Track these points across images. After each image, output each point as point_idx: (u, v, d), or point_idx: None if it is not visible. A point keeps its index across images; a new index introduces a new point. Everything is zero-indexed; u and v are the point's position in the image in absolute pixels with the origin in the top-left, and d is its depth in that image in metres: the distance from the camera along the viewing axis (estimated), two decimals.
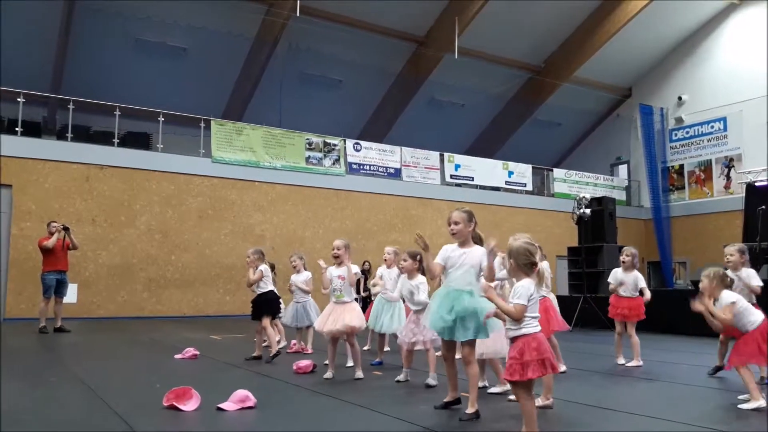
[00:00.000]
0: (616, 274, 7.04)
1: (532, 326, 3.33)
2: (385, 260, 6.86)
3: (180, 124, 15.27)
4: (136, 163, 14.05)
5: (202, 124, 14.98)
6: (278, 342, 7.07)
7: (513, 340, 3.37)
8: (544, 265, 5.56)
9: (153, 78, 16.99)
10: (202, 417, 4.03)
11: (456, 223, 4.28)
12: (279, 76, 17.97)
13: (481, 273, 4.19)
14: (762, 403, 4.35)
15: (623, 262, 7.02)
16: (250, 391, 4.35)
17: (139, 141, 15.25)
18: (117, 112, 14.10)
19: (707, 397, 5.06)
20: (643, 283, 6.95)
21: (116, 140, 14.17)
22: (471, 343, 4.18)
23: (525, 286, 3.36)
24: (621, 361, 6.81)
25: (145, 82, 16.77)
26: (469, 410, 3.98)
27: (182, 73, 17.42)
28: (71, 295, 11.69)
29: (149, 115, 14.69)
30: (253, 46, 17.86)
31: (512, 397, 4.41)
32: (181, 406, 4.14)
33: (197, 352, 7.02)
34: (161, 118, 14.61)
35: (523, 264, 3.43)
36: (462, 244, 4.28)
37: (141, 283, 13.66)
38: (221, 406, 4.17)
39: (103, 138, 14.24)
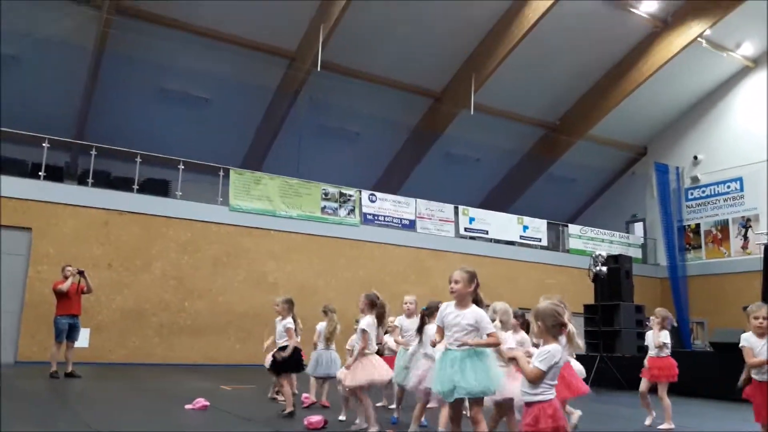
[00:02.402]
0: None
1: (549, 393, 3.27)
2: (407, 309, 6.73)
3: (199, 171, 15.50)
4: (155, 210, 14.21)
5: (221, 173, 15.18)
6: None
7: (528, 405, 3.30)
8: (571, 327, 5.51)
9: (175, 126, 17.36)
10: None
11: (456, 282, 4.27)
12: (298, 128, 18.30)
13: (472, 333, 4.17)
14: None
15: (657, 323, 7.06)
16: None
17: (158, 188, 15.46)
18: (138, 159, 14.36)
19: None
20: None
21: (136, 186, 14.38)
22: (478, 402, 4.13)
23: (551, 351, 3.27)
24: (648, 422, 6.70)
25: (167, 130, 17.12)
26: None
27: (204, 122, 17.79)
28: (83, 339, 11.67)
29: (169, 162, 14.95)
30: (274, 98, 18.26)
31: None
32: None
33: (207, 403, 6.94)
34: (181, 166, 14.84)
35: (552, 326, 3.33)
36: (458, 305, 4.26)
37: (153, 329, 13.61)
38: None
39: (123, 184, 14.47)
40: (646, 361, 7.13)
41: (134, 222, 13.87)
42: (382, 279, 16.27)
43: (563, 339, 3.39)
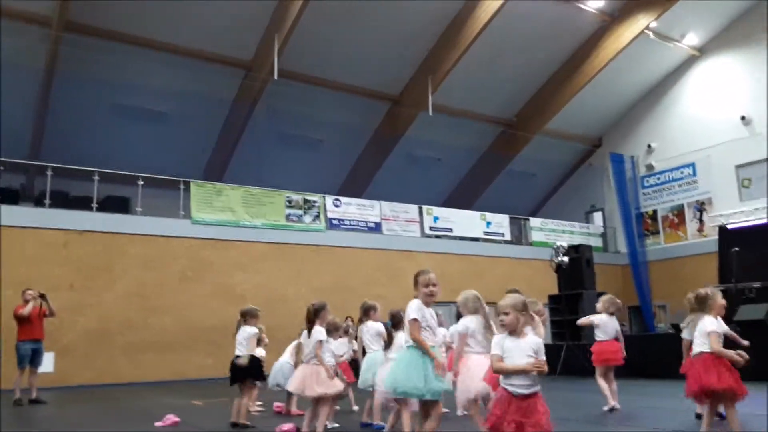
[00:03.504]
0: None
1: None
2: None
3: (159, 186, 15.34)
4: (115, 227, 14.02)
5: (182, 186, 15.06)
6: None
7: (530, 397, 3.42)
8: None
9: (132, 142, 17.15)
10: None
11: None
12: (258, 137, 18.25)
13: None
14: None
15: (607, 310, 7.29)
16: None
17: (118, 205, 15.23)
18: (96, 177, 14.16)
19: None
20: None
21: (95, 205, 14.17)
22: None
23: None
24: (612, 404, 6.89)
25: (124, 146, 16.91)
26: None
27: (162, 136, 17.60)
28: (48, 364, 11.45)
29: (128, 178, 14.76)
30: (232, 108, 18.17)
31: None
32: None
33: (178, 419, 6.91)
34: (140, 182, 14.68)
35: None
36: (429, 306, 4.37)
37: (119, 348, 13.42)
38: None
39: (82, 203, 14.23)
40: (595, 347, 7.26)
41: (95, 241, 13.67)
42: (351, 283, 16.32)
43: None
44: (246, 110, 17.99)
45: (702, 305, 4.93)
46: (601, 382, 7.04)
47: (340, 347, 7.59)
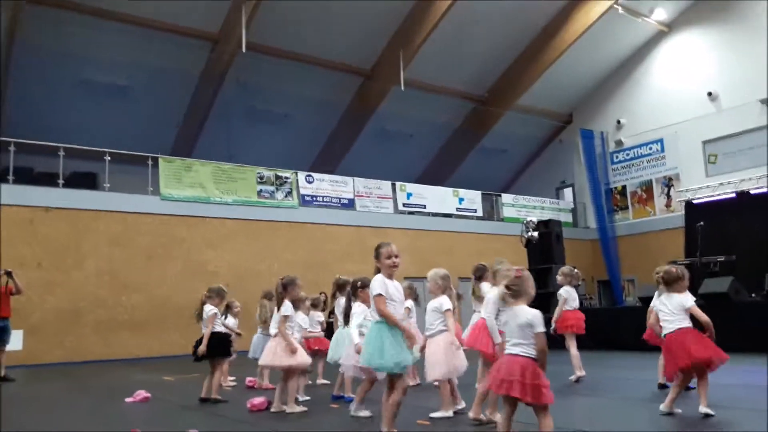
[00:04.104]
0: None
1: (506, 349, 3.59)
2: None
3: (127, 162, 15.06)
4: (83, 204, 13.77)
5: (150, 162, 14.82)
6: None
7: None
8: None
9: (99, 117, 16.78)
10: None
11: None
12: (227, 112, 17.99)
13: None
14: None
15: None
16: (203, 431, 4.33)
17: (85, 181, 14.91)
18: (61, 153, 13.85)
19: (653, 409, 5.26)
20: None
21: (61, 181, 13.88)
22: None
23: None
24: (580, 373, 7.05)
25: (90, 121, 16.54)
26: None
27: (128, 111, 17.26)
28: (16, 341, 11.30)
29: (95, 154, 14.47)
30: (199, 83, 17.85)
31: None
32: None
33: (149, 395, 6.89)
34: (107, 157, 14.40)
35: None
36: (391, 278, 4.39)
37: (90, 326, 13.29)
38: None
39: (48, 179, 13.92)
40: (558, 316, 7.38)
41: (62, 218, 13.42)
42: (324, 259, 16.34)
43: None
44: (214, 84, 17.71)
45: (674, 284, 5.02)
46: (573, 351, 7.20)
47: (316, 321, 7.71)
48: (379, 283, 4.23)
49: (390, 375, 4.20)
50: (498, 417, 4.38)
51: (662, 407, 4.84)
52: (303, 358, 5.78)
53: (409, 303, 6.41)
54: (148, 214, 14.44)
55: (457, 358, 5.02)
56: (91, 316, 13.34)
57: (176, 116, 18.31)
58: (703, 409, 4.63)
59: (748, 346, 9.12)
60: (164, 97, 17.65)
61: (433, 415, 5.07)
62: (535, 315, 3.47)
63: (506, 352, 3.53)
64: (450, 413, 5.14)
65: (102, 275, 13.67)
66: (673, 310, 4.96)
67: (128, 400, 6.79)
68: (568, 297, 7.41)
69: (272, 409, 5.72)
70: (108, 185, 14.39)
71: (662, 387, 6.04)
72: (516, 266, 3.86)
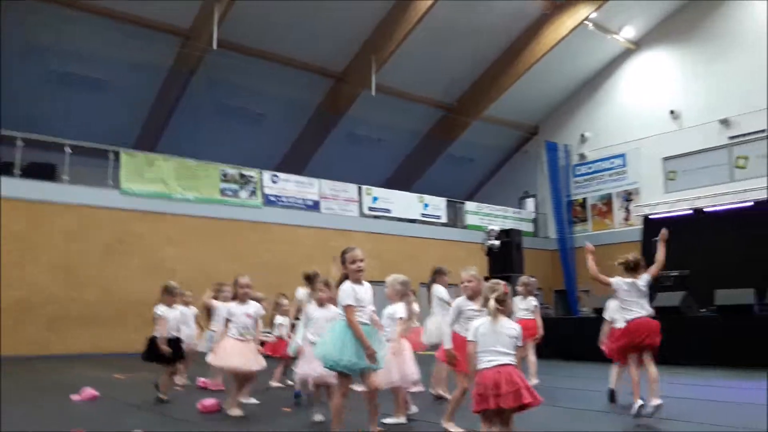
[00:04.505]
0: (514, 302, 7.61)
1: (482, 362, 3.61)
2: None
3: (88, 155, 14.75)
4: (40, 196, 13.44)
5: (112, 156, 14.55)
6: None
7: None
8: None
9: (60, 108, 16.39)
10: None
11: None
12: (194, 108, 17.77)
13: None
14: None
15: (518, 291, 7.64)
16: None
17: (43, 172, 14.53)
18: (19, 143, 13.50)
19: (601, 420, 5.36)
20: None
21: (18, 171, 13.52)
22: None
23: (472, 325, 3.73)
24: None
25: (51, 112, 16.14)
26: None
27: (91, 103, 16.90)
28: None
29: (55, 145, 14.14)
30: (168, 77, 17.60)
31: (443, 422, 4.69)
32: None
33: (96, 393, 6.75)
34: (68, 149, 14.09)
35: (484, 302, 3.77)
36: (359, 282, 4.42)
37: (42, 321, 12.95)
38: None
39: (4, 169, 13.54)
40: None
41: (17, 209, 13.06)
42: (287, 261, 16.21)
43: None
44: (183, 80, 17.49)
45: (636, 268, 5.28)
46: (532, 358, 7.41)
47: (283, 322, 7.86)
48: (347, 293, 4.26)
49: (340, 375, 4.23)
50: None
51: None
52: (258, 361, 5.76)
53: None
54: (107, 209, 14.17)
55: (406, 365, 5.09)
56: (44, 311, 13.01)
57: (141, 110, 18.02)
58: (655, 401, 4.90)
59: (698, 360, 9.40)
60: (129, 90, 17.36)
61: (386, 420, 5.09)
62: (519, 328, 3.68)
63: (494, 362, 3.54)
64: (403, 419, 5.17)
65: (57, 269, 13.35)
66: (638, 298, 5.24)
67: (74, 397, 6.64)
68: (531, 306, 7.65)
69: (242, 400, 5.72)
70: (67, 177, 14.07)
71: (612, 396, 6.13)
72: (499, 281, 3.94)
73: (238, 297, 5.84)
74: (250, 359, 5.71)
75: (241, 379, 5.80)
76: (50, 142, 14.00)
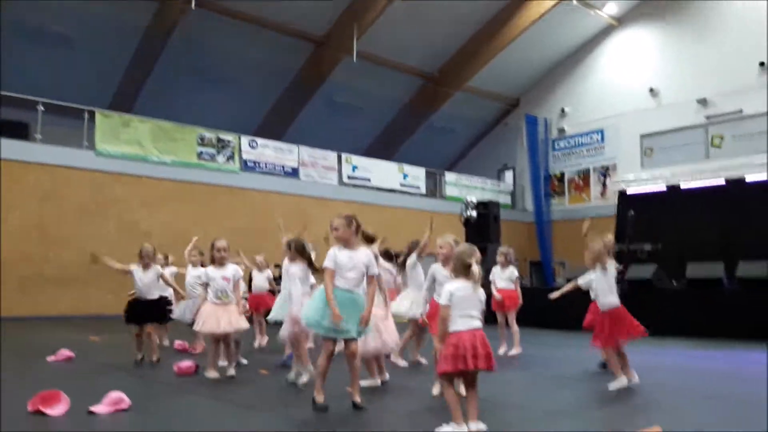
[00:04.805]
0: (493, 272, 7.66)
1: (457, 324, 3.58)
2: None
3: (62, 114, 14.41)
4: (11, 154, 13.11)
5: (86, 115, 14.22)
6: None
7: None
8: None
9: (33, 65, 15.92)
10: (71, 421, 3.90)
11: (336, 229, 4.41)
12: (172, 69, 17.38)
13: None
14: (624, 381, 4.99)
15: (498, 261, 7.69)
16: (127, 393, 4.26)
17: (15, 130, 14.16)
18: None
19: (576, 386, 5.48)
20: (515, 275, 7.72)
21: None
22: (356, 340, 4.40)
23: (446, 288, 3.64)
24: (502, 351, 7.30)
25: (23, 69, 15.65)
26: (358, 399, 4.26)
27: (66, 61, 16.43)
28: None
29: (27, 103, 13.76)
30: (144, 37, 17.15)
31: (435, 391, 4.70)
32: (47, 411, 3.98)
33: (72, 354, 6.71)
34: (41, 107, 13.73)
35: (460, 267, 3.67)
36: (347, 247, 4.41)
37: (15, 282, 12.76)
38: (93, 409, 4.05)
39: None
40: (495, 294, 7.63)
41: None
42: (264, 227, 16.10)
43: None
44: (160, 40, 17.06)
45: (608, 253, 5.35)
46: (515, 328, 7.51)
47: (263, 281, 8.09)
48: (328, 257, 4.34)
49: (324, 337, 4.33)
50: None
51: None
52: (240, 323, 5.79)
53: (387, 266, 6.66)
54: (82, 170, 13.90)
55: (387, 332, 5.20)
56: (16, 271, 12.81)
57: (117, 70, 17.57)
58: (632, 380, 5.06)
59: (668, 331, 9.62)
60: (106, 48, 16.88)
61: (361, 383, 5.14)
62: (484, 294, 3.71)
63: (470, 325, 3.56)
64: (377, 382, 5.24)
65: (30, 229, 13.12)
66: (611, 286, 5.27)
67: (50, 358, 6.59)
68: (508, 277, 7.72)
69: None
70: (40, 136, 13.74)
71: (604, 366, 6.07)
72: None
73: (215, 260, 5.80)
74: (225, 322, 5.68)
75: (218, 342, 5.80)
76: (21, 99, 13.62)
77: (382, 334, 5.16)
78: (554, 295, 6.30)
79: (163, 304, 6.78)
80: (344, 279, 4.33)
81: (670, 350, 8.11)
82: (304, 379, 5.26)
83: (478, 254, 3.76)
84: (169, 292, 7.27)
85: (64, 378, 5.50)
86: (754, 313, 9.33)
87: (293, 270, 5.54)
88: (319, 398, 4.22)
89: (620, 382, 5.04)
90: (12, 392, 4.72)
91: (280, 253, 7.05)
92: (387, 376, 5.40)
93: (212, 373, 5.61)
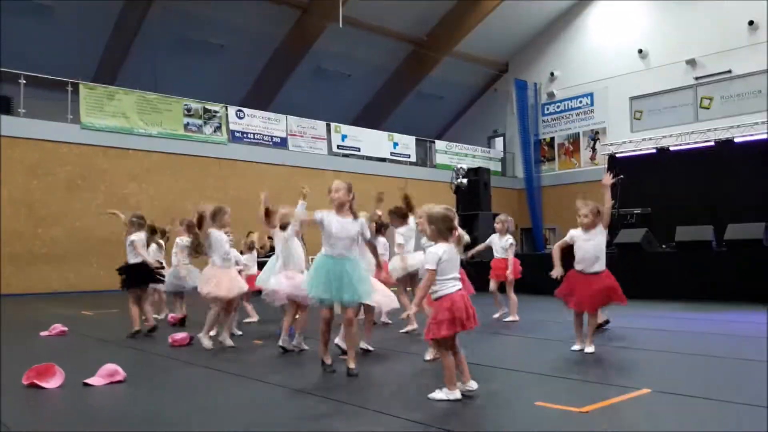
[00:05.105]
0: (492, 239, 7.66)
1: (447, 287, 3.55)
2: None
3: (45, 87, 14.17)
4: None
5: (70, 88, 13.99)
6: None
7: (436, 301, 3.61)
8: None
9: (13, 36, 15.56)
10: (66, 394, 3.91)
11: (337, 191, 4.40)
12: (154, 38, 17.06)
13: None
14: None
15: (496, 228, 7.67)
16: (122, 365, 4.26)
17: None
18: None
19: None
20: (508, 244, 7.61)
21: None
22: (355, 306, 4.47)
23: (432, 251, 3.58)
24: (496, 315, 7.36)
25: (5, 41, 15.33)
26: (352, 365, 4.27)
27: (47, 32, 16.09)
28: None
29: (8, 76, 13.51)
30: (125, 5, 16.79)
31: (428, 356, 4.72)
32: (42, 384, 3.98)
33: (65, 329, 6.71)
34: (22, 80, 13.48)
35: (445, 229, 3.63)
36: (340, 213, 4.39)
37: (5, 259, 12.70)
38: (88, 381, 4.06)
39: None
40: (492, 263, 7.67)
41: None
42: (254, 199, 16.02)
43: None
44: (140, 8, 16.70)
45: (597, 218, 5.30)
46: (514, 297, 7.53)
47: (249, 260, 8.01)
48: (317, 212, 4.40)
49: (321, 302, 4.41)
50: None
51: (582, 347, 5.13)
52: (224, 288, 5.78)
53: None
54: (68, 143, 13.74)
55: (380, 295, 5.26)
56: (6, 248, 12.73)
57: (99, 40, 17.23)
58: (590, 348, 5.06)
59: (657, 294, 9.73)
60: (86, 18, 16.54)
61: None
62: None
63: (456, 287, 3.57)
64: (369, 346, 5.28)
65: (17, 205, 13.01)
66: (597, 252, 5.22)
67: (43, 333, 6.59)
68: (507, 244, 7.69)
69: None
70: (23, 110, 13.52)
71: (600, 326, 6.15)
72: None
73: (225, 224, 6.19)
74: (235, 286, 5.85)
75: (228, 306, 5.86)
76: (2, 73, 13.36)
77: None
78: (556, 273, 6.13)
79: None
80: (332, 247, 4.35)
81: (660, 313, 8.21)
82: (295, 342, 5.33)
83: (455, 215, 3.77)
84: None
85: (59, 352, 5.50)
86: (742, 275, 9.43)
87: (282, 234, 5.61)
88: (327, 359, 4.42)
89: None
90: (6, 367, 4.71)
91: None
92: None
93: (206, 342, 5.62)
